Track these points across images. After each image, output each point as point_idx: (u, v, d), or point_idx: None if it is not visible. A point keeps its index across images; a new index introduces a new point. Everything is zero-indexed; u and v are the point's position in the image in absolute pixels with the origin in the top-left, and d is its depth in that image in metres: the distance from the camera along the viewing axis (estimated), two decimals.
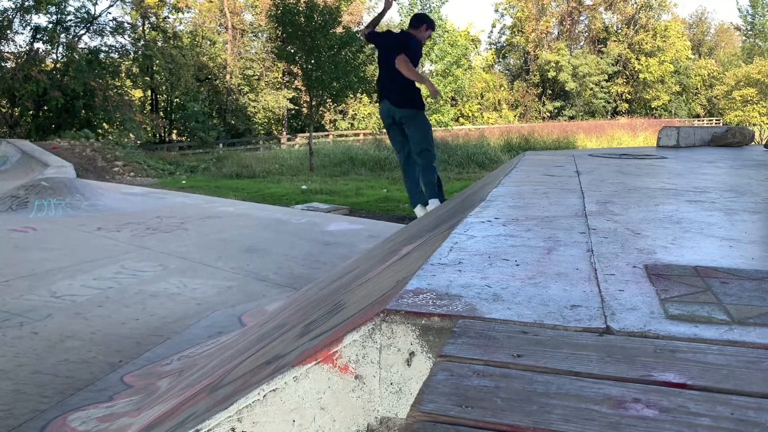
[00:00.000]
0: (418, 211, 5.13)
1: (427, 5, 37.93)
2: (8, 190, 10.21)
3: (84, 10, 27.70)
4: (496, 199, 3.04)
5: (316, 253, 6.79)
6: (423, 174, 4.86)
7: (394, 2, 5.47)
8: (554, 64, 43.26)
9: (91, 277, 5.55)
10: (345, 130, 35.22)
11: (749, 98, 32.40)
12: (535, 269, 1.70)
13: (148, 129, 31.70)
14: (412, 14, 37.01)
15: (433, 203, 4.82)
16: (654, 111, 45.31)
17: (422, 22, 5.05)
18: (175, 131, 34.83)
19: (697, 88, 48.19)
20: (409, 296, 1.44)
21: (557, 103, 45.11)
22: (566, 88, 43.64)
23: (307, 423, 1.34)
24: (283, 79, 35.16)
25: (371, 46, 22.35)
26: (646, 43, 44.55)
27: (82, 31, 27.87)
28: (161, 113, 34.51)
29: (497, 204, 2.90)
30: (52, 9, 26.21)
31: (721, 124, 34.36)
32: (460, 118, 41.29)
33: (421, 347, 1.29)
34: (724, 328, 1.25)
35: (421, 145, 4.79)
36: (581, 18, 47.90)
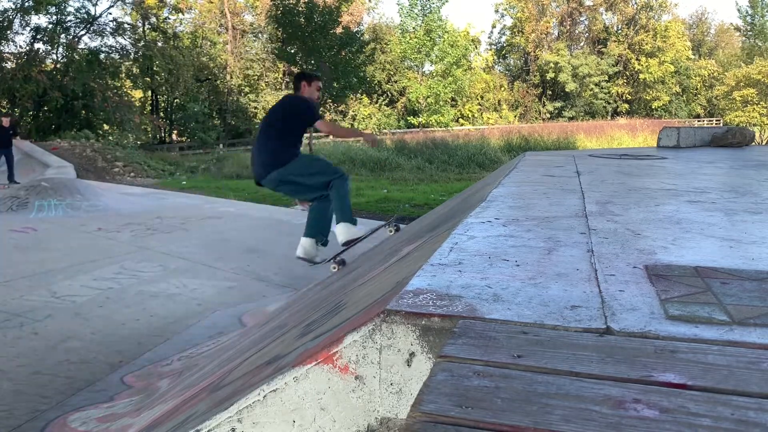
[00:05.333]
0: (305, 243, 4.63)
1: (427, 6, 37.94)
2: (9, 190, 10.21)
3: (84, 11, 27.74)
4: (497, 200, 3.04)
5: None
6: (336, 198, 4.35)
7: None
8: (554, 65, 43.24)
9: (92, 277, 5.55)
10: None
11: (749, 99, 32.37)
12: (535, 270, 1.70)
13: (148, 129, 31.71)
14: (411, 16, 36.92)
15: (344, 228, 4.38)
16: (654, 111, 45.29)
17: (300, 80, 4.54)
18: (175, 132, 34.83)
19: (697, 89, 48.16)
20: (410, 296, 1.44)
21: (557, 104, 45.09)
22: (566, 89, 43.63)
23: (307, 423, 1.34)
24: (284, 80, 35.20)
25: (371, 46, 22.45)
26: (647, 44, 44.53)
27: (82, 32, 27.89)
28: (161, 114, 34.53)
29: (497, 204, 2.90)
30: (52, 9, 26.21)
31: (721, 125, 34.37)
32: (460, 119, 41.29)
33: (422, 347, 1.29)
34: (725, 328, 1.25)
35: (324, 178, 4.30)
36: (581, 18, 47.89)
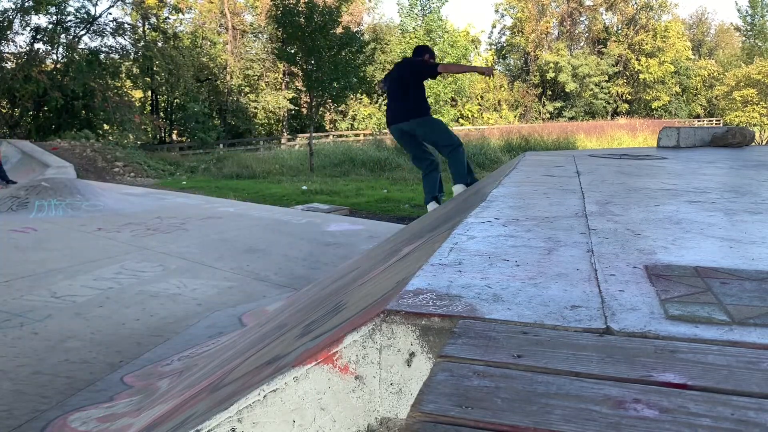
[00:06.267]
0: (430, 207, 5.52)
1: (427, 6, 37.95)
2: (9, 190, 10.21)
3: (84, 11, 27.74)
4: (497, 200, 3.04)
5: (316, 254, 6.79)
6: (453, 164, 5.29)
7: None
8: (554, 65, 43.26)
9: (92, 277, 5.55)
10: (345, 130, 35.23)
11: (749, 99, 32.36)
12: (535, 269, 1.70)
13: (148, 129, 31.71)
14: (411, 16, 36.87)
15: (458, 188, 5.29)
16: (654, 111, 45.30)
17: (425, 52, 5.60)
18: (175, 132, 34.83)
19: (697, 89, 48.18)
20: (410, 296, 1.44)
21: (557, 104, 45.11)
22: (566, 89, 43.65)
23: (307, 423, 1.34)
24: (284, 80, 35.20)
25: (371, 46, 22.46)
26: (647, 44, 44.54)
27: (82, 32, 27.89)
28: (161, 114, 34.53)
29: (497, 204, 2.90)
30: (52, 9, 26.21)
31: (721, 125, 34.37)
32: (460, 119, 41.30)
33: (422, 347, 1.29)
34: (725, 328, 1.25)
35: (445, 140, 5.28)
36: (581, 18, 47.91)
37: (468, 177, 5.36)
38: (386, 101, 5.65)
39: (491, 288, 1.52)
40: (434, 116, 5.60)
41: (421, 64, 5.32)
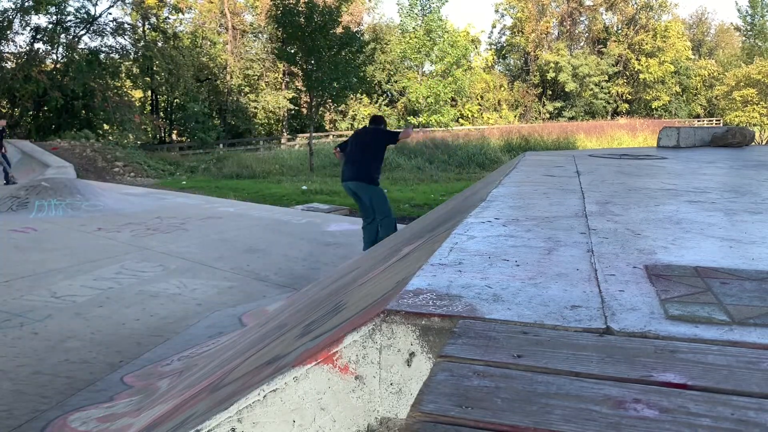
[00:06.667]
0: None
1: (427, 6, 37.94)
2: (9, 190, 10.21)
3: (84, 11, 27.72)
4: (497, 200, 3.04)
5: (316, 254, 6.80)
6: (384, 233, 5.99)
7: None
8: (554, 65, 43.25)
9: (92, 277, 5.55)
10: (345, 130, 35.23)
11: (749, 98, 32.35)
12: (535, 269, 1.70)
13: (148, 129, 31.70)
14: (411, 16, 36.89)
15: None
16: (654, 111, 45.29)
17: (382, 122, 6.65)
18: (175, 132, 34.82)
19: (697, 89, 48.16)
20: (410, 296, 1.44)
21: (557, 104, 45.09)
22: (566, 89, 43.63)
23: (307, 423, 1.34)
24: (284, 80, 35.20)
25: (371, 46, 22.48)
26: (647, 44, 44.52)
27: (82, 32, 27.88)
28: (161, 114, 34.52)
29: (497, 204, 2.90)
30: (52, 9, 26.20)
31: (721, 125, 34.37)
32: (460, 119, 41.28)
33: (422, 347, 1.29)
34: (725, 328, 1.25)
35: (381, 210, 6.11)
36: (581, 18, 47.88)
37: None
38: (344, 161, 6.36)
39: (491, 288, 1.52)
40: (381, 188, 6.39)
41: (388, 133, 6.29)
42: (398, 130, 6.31)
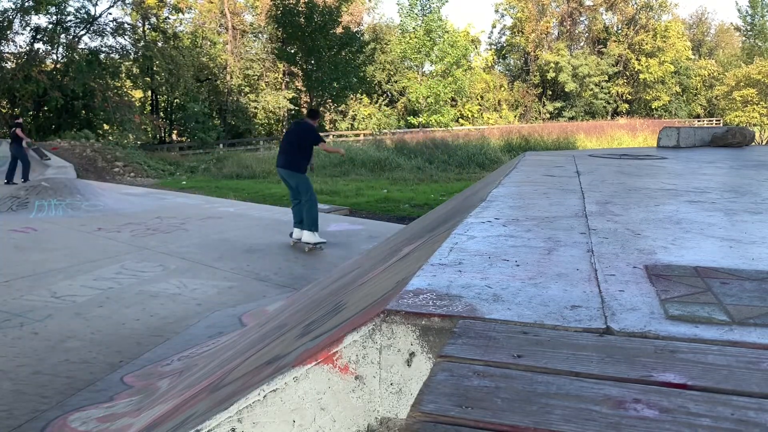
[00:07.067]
0: (297, 232, 7.26)
1: (427, 6, 37.94)
2: (9, 190, 10.21)
3: (84, 11, 27.70)
4: (497, 200, 3.04)
5: (316, 254, 6.80)
6: (307, 212, 7.07)
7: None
8: (554, 65, 43.25)
9: (92, 277, 5.55)
10: (345, 130, 35.22)
11: (749, 98, 32.35)
12: (535, 269, 1.70)
13: (148, 129, 31.70)
14: (411, 16, 36.87)
15: (309, 233, 7.04)
16: (654, 111, 45.29)
17: (317, 116, 7.59)
18: (175, 132, 34.80)
19: (697, 89, 48.17)
20: (410, 296, 1.44)
21: (557, 104, 45.10)
22: (566, 89, 43.64)
23: (307, 423, 1.34)
24: (284, 80, 35.20)
25: (371, 46, 22.51)
26: (647, 44, 44.53)
27: (82, 32, 27.87)
28: (161, 114, 34.51)
29: (497, 204, 2.90)
30: (52, 9, 26.19)
31: (721, 125, 34.36)
32: (460, 119, 41.28)
33: (422, 347, 1.29)
34: (725, 328, 1.25)
35: (306, 195, 7.13)
36: (581, 18, 47.88)
37: (314, 227, 7.04)
38: (279, 150, 7.55)
39: (491, 288, 1.52)
40: (308, 175, 7.46)
41: (313, 135, 7.23)
42: (324, 137, 7.11)
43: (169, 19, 33.92)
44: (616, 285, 1.56)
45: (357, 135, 32.56)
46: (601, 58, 44.41)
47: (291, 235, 7.41)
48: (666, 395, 0.95)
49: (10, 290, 5.06)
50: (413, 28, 37.85)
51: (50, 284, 5.28)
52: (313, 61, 19.11)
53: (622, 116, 41.99)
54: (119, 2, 29.41)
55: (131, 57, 29.20)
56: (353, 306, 1.88)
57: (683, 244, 2.03)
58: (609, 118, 43.31)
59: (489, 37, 64.73)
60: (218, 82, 35.23)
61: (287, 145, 7.30)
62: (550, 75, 43.94)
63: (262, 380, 1.45)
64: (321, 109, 23.84)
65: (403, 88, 38.68)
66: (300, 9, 18.60)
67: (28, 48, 26.31)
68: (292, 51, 19.54)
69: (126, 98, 28.36)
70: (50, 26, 26.66)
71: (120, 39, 28.68)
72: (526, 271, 1.68)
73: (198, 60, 33.19)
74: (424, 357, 1.28)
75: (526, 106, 45.71)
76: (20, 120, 14.88)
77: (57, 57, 27.26)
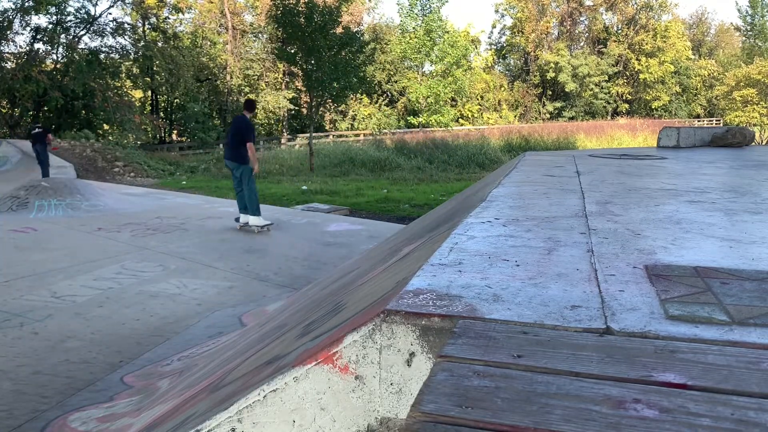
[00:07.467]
0: (243, 217, 8.13)
1: (427, 6, 37.93)
2: (9, 190, 10.21)
3: (84, 11, 27.70)
4: (497, 200, 3.04)
5: (316, 254, 6.80)
6: (249, 201, 7.98)
7: None
8: (554, 65, 43.25)
9: (92, 277, 5.55)
10: (345, 130, 35.23)
11: (749, 99, 32.34)
12: (535, 270, 1.70)
13: (148, 129, 31.70)
14: (411, 16, 36.87)
15: (254, 217, 7.99)
16: (654, 111, 45.30)
17: (254, 107, 8.43)
18: (175, 132, 34.80)
19: (697, 89, 48.16)
20: (410, 297, 1.44)
21: (557, 104, 45.09)
22: (566, 89, 43.64)
23: (307, 423, 1.34)
24: (284, 80, 35.19)
25: (371, 46, 22.50)
26: (647, 44, 44.52)
27: (82, 32, 27.88)
28: (161, 114, 34.51)
29: (497, 204, 2.90)
30: (52, 10, 26.19)
31: (721, 125, 34.36)
32: (460, 119, 41.27)
33: (422, 347, 1.29)
34: (725, 328, 1.25)
35: (247, 182, 7.98)
36: (581, 18, 47.88)
37: (257, 211, 7.99)
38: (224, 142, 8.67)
39: (491, 288, 1.52)
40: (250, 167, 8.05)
41: (244, 129, 7.92)
42: (252, 139, 7.98)
43: (169, 19, 33.93)
44: (616, 285, 1.56)
45: (357, 135, 32.57)
46: (601, 58, 44.41)
47: (237, 220, 8.23)
48: (666, 395, 0.95)
49: (10, 290, 5.06)
50: (413, 28, 37.82)
51: (50, 284, 5.28)
52: (313, 61, 19.08)
53: (622, 116, 42.00)
54: (119, 2, 29.42)
55: (131, 57, 29.20)
56: (353, 306, 1.88)
57: (683, 244, 2.03)
58: (609, 118, 43.31)
59: (489, 37, 64.77)
60: (218, 82, 35.23)
61: (230, 139, 8.06)
62: (550, 75, 43.94)
63: (262, 380, 1.45)
64: (321, 109, 23.84)
65: (403, 88, 38.67)
66: (300, 9, 18.56)
67: (28, 48, 26.31)
68: (292, 51, 19.51)
69: (126, 98, 28.36)
70: (50, 26, 26.66)
71: (120, 39, 28.70)
72: (526, 271, 1.68)
73: (198, 60, 33.20)
74: (424, 357, 1.28)
75: (526, 106, 45.71)
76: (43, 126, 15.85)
77: (57, 57, 27.27)
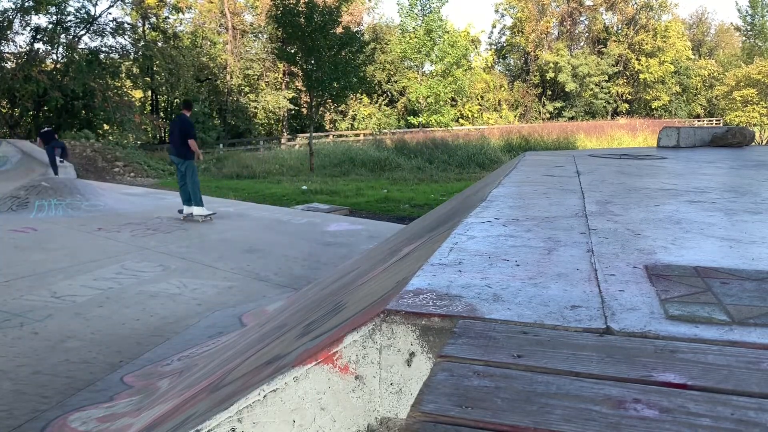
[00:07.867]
0: (187, 209, 8.80)
1: (427, 6, 37.93)
2: (9, 190, 10.21)
3: (84, 11, 27.68)
4: (497, 200, 3.04)
5: (316, 254, 6.80)
6: (193, 193, 8.70)
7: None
8: (554, 65, 43.24)
9: (92, 277, 5.55)
10: (345, 130, 35.23)
11: (749, 98, 32.33)
12: (535, 269, 1.70)
13: (149, 129, 31.70)
14: (411, 16, 36.88)
15: (198, 208, 8.72)
16: (654, 111, 45.31)
17: (191, 107, 9.03)
18: None
19: (697, 89, 48.17)
20: (410, 296, 1.44)
21: (557, 104, 45.09)
22: (566, 89, 43.63)
23: (307, 423, 1.34)
24: (284, 80, 35.20)
25: (371, 46, 22.52)
26: (647, 44, 44.52)
27: (82, 32, 27.86)
28: (161, 114, 34.51)
29: (497, 204, 2.90)
30: (52, 9, 26.18)
31: (721, 125, 34.36)
32: (461, 119, 41.27)
33: (422, 347, 1.29)
34: (725, 328, 1.25)
35: (190, 176, 8.70)
36: (581, 18, 47.87)
37: (200, 202, 8.71)
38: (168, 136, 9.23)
39: (491, 288, 1.52)
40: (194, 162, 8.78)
41: (188, 129, 8.56)
42: (193, 135, 8.56)
43: (169, 19, 33.93)
44: (616, 285, 1.56)
45: (357, 135, 32.57)
46: (601, 58, 44.40)
47: (181, 212, 8.88)
48: (666, 395, 0.95)
49: (10, 290, 5.06)
50: (413, 28, 37.82)
51: (50, 284, 5.28)
52: (313, 61, 19.08)
53: (622, 116, 42.00)
54: (119, 2, 29.41)
55: (131, 57, 29.18)
56: (353, 306, 1.88)
57: (683, 244, 2.03)
58: (609, 118, 43.31)
59: (489, 37, 64.74)
60: (218, 82, 35.23)
61: (172, 135, 8.77)
62: (550, 75, 43.94)
63: (262, 380, 1.45)
64: (321, 109, 23.84)
65: (403, 88, 38.67)
66: (300, 9, 18.56)
67: (28, 48, 26.29)
68: (292, 51, 19.51)
69: (126, 98, 28.35)
70: (50, 26, 26.65)
71: (120, 39, 28.67)
72: (526, 271, 1.68)
73: (198, 60, 33.20)
74: (424, 357, 1.28)
75: (526, 106, 45.71)
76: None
77: (57, 57, 27.25)
